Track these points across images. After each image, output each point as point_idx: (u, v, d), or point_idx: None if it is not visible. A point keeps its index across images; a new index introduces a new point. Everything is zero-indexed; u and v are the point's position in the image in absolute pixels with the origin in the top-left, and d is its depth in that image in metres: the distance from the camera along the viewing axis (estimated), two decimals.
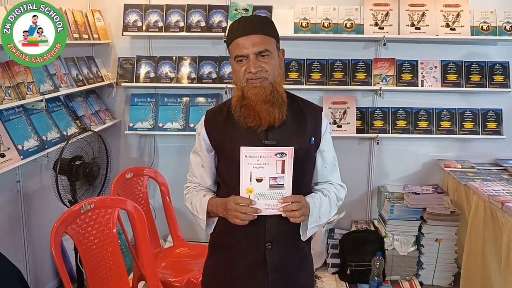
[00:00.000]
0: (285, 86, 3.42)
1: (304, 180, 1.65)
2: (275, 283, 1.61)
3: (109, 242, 2.20)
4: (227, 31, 1.65)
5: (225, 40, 1.67)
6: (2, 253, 1.89)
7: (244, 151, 1.46)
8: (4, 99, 2.33)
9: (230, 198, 1.53)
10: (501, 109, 3.39)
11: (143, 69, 3.51)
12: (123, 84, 3.51)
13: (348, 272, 3.30)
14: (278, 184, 1.49)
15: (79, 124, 3.13)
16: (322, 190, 1.68)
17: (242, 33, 1.54)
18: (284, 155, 1.46)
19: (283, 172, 1.48)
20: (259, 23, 1.58)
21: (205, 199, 1.65)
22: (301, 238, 1.63)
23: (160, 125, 3.52)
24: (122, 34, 3.46)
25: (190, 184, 1.76)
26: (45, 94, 2.68)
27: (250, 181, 1.48)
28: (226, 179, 1.66)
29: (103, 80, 3.52)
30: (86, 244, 2.11)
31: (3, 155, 2.32)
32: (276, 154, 1.46)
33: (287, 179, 1.48)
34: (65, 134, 2.89)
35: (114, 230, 2.24)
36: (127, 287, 2.27)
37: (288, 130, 1.60)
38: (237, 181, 1.50)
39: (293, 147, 1.47)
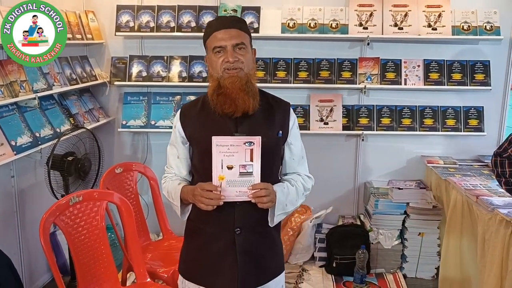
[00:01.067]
0: (273, 85, 3.55)
1: (271, 170, 1.75)
2: (244, 266, 1.71)
3: (97, 233, 2.30)
4: (205, 29, 1.74)
5: None
6: None
7: (215, 140, 1.57)
8: None
9: (197, 185, 1.64)
10: (483, 107, 3.49)
11: (136, 68, 3.61)
12: (116, 83, 3.62)
13: (334, 265, 3.39)
14: (247, 172, 1.60)
15: (73, 122, 3.23)
16: (290, 180, 1.78)
17: (220, 27, 1.66)
18: (252, 144, 1.58)
19: (251, 160, 1.59)
20: (236, 21, 1.71)
21: (179, 186, 1.75)
22: (269, 224, 1.73)
23: (153, 122, 3.63)
24: (115, 34, 3.56)
25: (167, 175, 1.86)
26: (38, 92, 2.77)
27: (222, 168, 1.59)
28: (199, 169, 1.76)
29: (96, 79, 3.62)
30: (75, 235, 2.21)
31: None
32: (245, 143, 1.57)
33: (256, 167, 1.59)
34: (58, 131, 2.99)
35: (103, 224, 2.34)
36: (115, 277, 2.36)
37: (257, 123, 1.70)
38: (209, 170, 1.60)
39: (260, 137, 1.58)
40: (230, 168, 1.59)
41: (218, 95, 1.66)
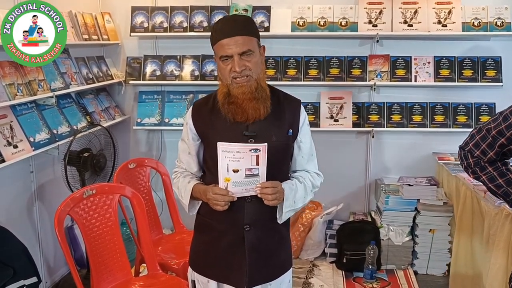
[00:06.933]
0: (284, 82, 3.60)
1: (281, 169, 1.78)
2: (253, 262, 1.76)
3: (110, 226, 2.39)
4: (211, 31, 1.74)
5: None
6: (10, 231, 2.10)
7: (221, 146, 1.58)
8: (17, 95, 2.54)
9: (209, 188, 1.67)
10: (494, 103, 3.47)
11: (150, 68, 3.71)
12: (131, 82, 3.72)
13: (344, 260, 3.42)
14: (253, 174, 1.61)
15: (89, 120, 3.34)
16: (298, 177, 1.80)
17: (226, 34, 1.65)
18: (258, 150, 1.57)
19: (257, 164, 1.59)
20: (241, 24, 1.66)
21: (190, 185, 1.77)
22: (278, 221, 1.76)
23: (166, 120, 3.72)
24: (130, 35, 3.67)
25: (178, 170, 1.90)
26: (55, 91, 2.88)
27: (227, 171, 1.60)
28: (210, 167, 1.79)
29: (112, 79, 3.73)
30: (89, 227, 2.31)
31: (15, 146, 2.53)
32: (250, 150, 1.57)
33: (262, 169, 1.61)
34: (75, 128, 3.10)
35: (115, 217, 2.43)
36: (128, 269, 2.45)
37: (268, 122, 1.72)
38: None
39: (266, 144, 1.59)
40: (236, 171, 1.59)
41: (229, 104, 1.67)
